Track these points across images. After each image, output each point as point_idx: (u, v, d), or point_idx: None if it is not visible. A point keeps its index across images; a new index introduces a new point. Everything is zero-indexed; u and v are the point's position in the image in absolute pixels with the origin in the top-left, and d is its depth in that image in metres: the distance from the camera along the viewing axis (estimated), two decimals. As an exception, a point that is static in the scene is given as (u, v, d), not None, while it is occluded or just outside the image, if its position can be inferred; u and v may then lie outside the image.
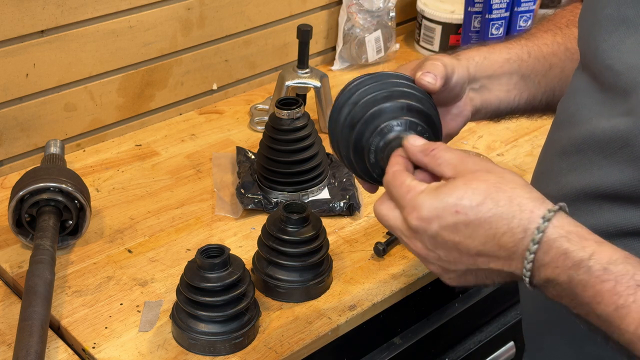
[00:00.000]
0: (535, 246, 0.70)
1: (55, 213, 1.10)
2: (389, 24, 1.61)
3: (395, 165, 0.80)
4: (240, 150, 1.32)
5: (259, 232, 1.09)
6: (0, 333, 1.01)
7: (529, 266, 0.71)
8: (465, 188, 0.73)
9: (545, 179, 0.91)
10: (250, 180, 1.24)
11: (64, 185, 1.09)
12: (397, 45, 1.68)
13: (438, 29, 1.66)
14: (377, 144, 0.85)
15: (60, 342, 1.01)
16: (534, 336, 0.99)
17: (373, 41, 1.60)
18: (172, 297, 1.04)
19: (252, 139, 1.40)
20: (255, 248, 1.10)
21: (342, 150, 0.88)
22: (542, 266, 0.71)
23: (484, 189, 0.73)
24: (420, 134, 0.84)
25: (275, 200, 1.22)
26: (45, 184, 1.09)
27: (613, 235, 0.81)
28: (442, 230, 0.74)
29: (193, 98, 1.49)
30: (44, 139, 1.30)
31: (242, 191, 1.23)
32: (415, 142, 0.81)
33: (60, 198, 1.10)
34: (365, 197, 1.27)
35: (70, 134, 1.34)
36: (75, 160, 1.33)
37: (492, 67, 0.98)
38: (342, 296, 1.09)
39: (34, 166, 1.20)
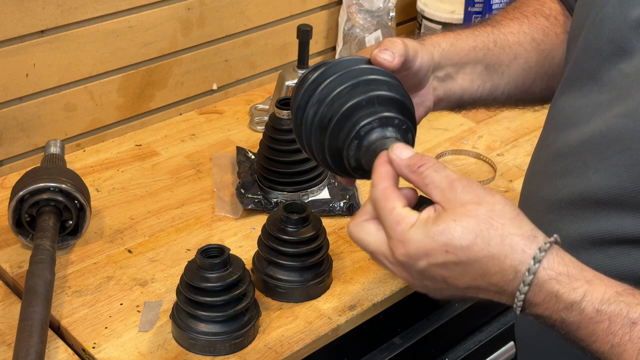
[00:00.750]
0: (526, 287, 0.70)
1: (55, 213, 1.10)
2: (389, 24, 1.61)
3: (385, 180, 0.75)
4: (240, 150, 1.32)
5: (259, 232, 1.09)
6: (0, 333, 1.01)
7: (519, 303, 0.71)
8: (455, 226, 0.70)
9: (539, 181, 0.90)
10: (250, 180, 1.24)
11: (64, 185, 1.09)
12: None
13: (438, 29, 1.66)
14: (355, 148, 0.80)
15: (60, 342, 1.01)
16: (526, 337, 0.98)
17: (373, 41, 1.60)
18: (172, 297, 1.04)
19: (252, 139, 1.40)
20: (255, 248, 1.10)
21: (317, 154, 0.83)
22: (534, 305, 0.71)
23: (474, 227, 0.70)
24: (398, 127, 0.80)
25: (275, 200, 1.22)
26: (45, 184, 1.09)
27: (609, 242, 0.80)
28: (431, 267, 0.72)
29: (193, 98, 1.49)
30: (44, 139, 1.30)
31: (242, 191, 1.23)
32: (401, 155, 0.76)
33: (60, 198, 1.10)
34: (365, 197, 1.27)
35: (70, 134, 1.34)
36: (75, 160, 1.33)
37: (458, 54, 0.95)
38: (342, 296, 1.09)
39: (34, 166, 1.20)
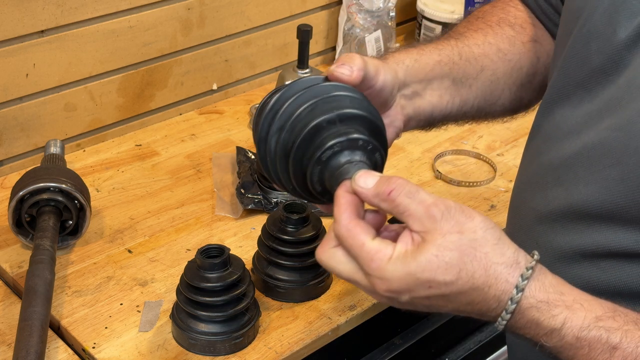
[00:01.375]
0: (509, 315, 0.70)
1: (55, 213, 1.10)
2: (389, 24, 1.61)
3: (345, 213, 0.71)
4: (240, 150, 1.32)
5: (259, 232, 1.09)
6: (0, 333, 1.01)
7: (501, 327, 0.72)
8: (438, 262, 0.69)
9: (529, 191, 0.89)
10: (250, 180, 1.24)
11: (64, 185, 1.09)
12: (397, 45, 1.68)
13: (438, 29, 1.66)
14: (318, 174, 0.76)
15: (60, 342, 1.01)
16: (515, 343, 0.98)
17: (373, 41, 1.60)
18: (172, 297, 1.04)
19: (252, 139, 1.40)
20: (255, 248, 1.10)
21: (285, 183, 0.79)
22: (516, 328, 0.72)
23: (457, 261, 0.69)
24: (363, 148, 0.75)
25: (275, 200, 1.22)
26: (45, 184, 1.09)
27: (600, 255, 0.79)
28: (415, 299, 0.71)
29: (193, 98, 1.49)
30: (44, 139, 1.30)
31: (242, 191, 1.23)
32: (366, 184, 0.72)
33: (60, 198, 1.10)
34: (365, 197, 1.27)
35: (70, 134, 1.34)
36: (75, 160, 1.33)
37: (423, 70, 0.91)
38: (342, 296, 1.09)
39: (34, 166, 1.20)
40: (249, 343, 1.01)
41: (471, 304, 0.71)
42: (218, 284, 0.97)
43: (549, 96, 0.90)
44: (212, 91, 1.51)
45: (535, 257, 0.71)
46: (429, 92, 0.92)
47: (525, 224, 0.89)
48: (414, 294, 0.71)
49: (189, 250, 1.15)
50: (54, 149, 1.24)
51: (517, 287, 0.69)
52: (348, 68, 0.79)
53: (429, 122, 0.95)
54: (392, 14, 1.62)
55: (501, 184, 1.33)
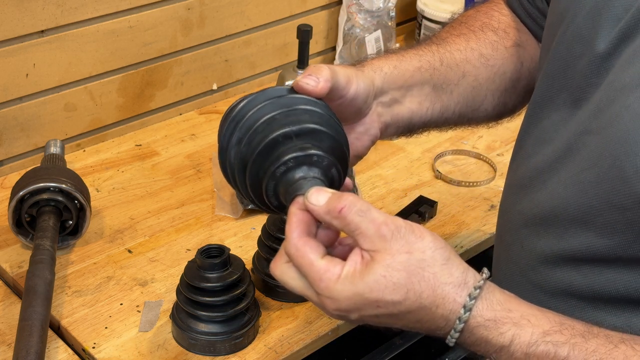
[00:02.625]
0: (457, 334, 0.72)
1: (55, 213, 1.10)
2: (389, 24, 1.61)
3: (295, 231, 0.72)
4: (240, 150, 1.32)
5: (259, 232, 1.09)
6: (0, 333, 1.01)
7: (451, 344, 0.73)
8: (386, 282, 0.69)
9: (517, 194, 0.89)
10: (250, 180, 1.24)
11: (64, 185, 1.09)
12: (397, 45, 1.68)
13: (438, 29, 1.66)
14: (273, 189, 0.76)
15: (60, 342, 1.01)
16: None
17: (373, 41, 1.60)
18: (172, 297, 1.04)
19: (252, 139, 1.40)
20: (255, 248, 1.10)
21: (245, 195, 0.79)
22: (466, 345, 0.73)
23: (405, 282, 0.70)
24: (318, 164, 0.75)
25: (275, 200, 1.22)
26: (45, 184, 1.09)
27: (580, 260, 0.80)
28: (364, 317, 0.72)
29: (193, 98, 1.49)
30: (44, 139, 1.30)
31: (235, 190, 1.23)
32: (318, 201, 0.72)
33: (60, 198, 1.10)
34: (365, 197, 1.27)
35: (70, 134, 1.34)
36: (75, 160, 1.33)
37: (402, 77, 0.90)
38: (342, 296, 1.09)
39: (34, 166, 1.20)
40: (249, 343, 1.01)
41: (420, 322, 0.72)
42: (218, 284, 0.97)
43: (535, 99, 0.90)
44: (212, 91, 1.51)
45: (484, 275, 0.72)
46: (409, 99, 0.92)
47: (512, 227, 0.89)
48: (362, 313, 0.72)
49: (189, 250, 1.15)
50: (54, 149, 1.24)
51: (464, 306, 0.71)
52: (314, 79, 0.78)
53: (408, 128, 0.94)
54: (392, 14, 1.62)
55: (501, 184, 1.32)
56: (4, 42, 1.21)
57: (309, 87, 0.78)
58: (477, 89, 0.97)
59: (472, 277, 0.72)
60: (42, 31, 1.24)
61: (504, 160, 1.38)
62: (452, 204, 1.27)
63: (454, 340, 0.72)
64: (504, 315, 0.71)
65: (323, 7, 1.60)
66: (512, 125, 1.46)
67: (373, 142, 0.90)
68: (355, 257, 0.71)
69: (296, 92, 0.78)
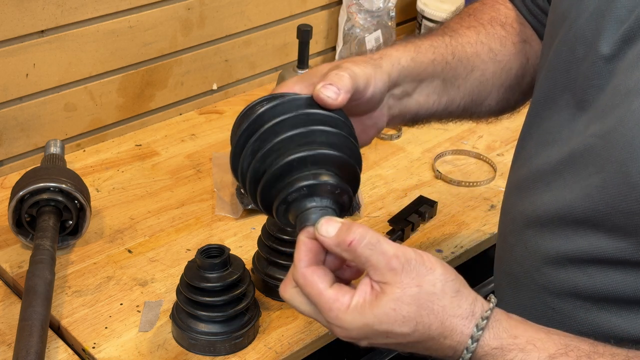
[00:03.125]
0: None
1: (55, 213, 1.10)
2: (389, 24, 1.61)
3: (303, 261, 0.72)
4: (240, 150, 1.32)
5: (259, 232, 1.09)
6: (0, 333, 1.01)
7: None
8: (395, 315, 0.70)
9: (519, 195, 0.89)
10: (250, 180, 1.24)
11: (64, 185, 1.09)
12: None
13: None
14: (283, 212, 0.76)
15: (60, 342, 1.01)
16: None
17: (373, 41, 1.60)
18: (172, 297, 1.04)
19: (252, 139, 1.40)
20: (255, 248, 1.10)
21: (254, 202, 0.79)
22: None
23: (415, 315, 0.71)
24: (331, 192, 0.75)
25: (275, 200, 1.22)
26: (45, 184, 1.09)
27: (586, 261, 0.80)
28: (373, 344, 0.74)
29: (193, 98, 1.49)
30: (44, 139, 1.30)
31: (242, 191, 1.23)
32: (327, 232, 0.72)
33: (60, 198, 1.10)
34: (365, 197, 1.27)
35: (70, 134, 1.34)
36: (75, 160, 1.33)
37: (417, 70, 0.89)
38: (342, 296, 1.09)
39: (34, 166, 1.20)
40: (249, 343, 1.01)
41: (428, 350, 0.73)
42: (218, 284, 0.97)
43: (538, 99, 0.90)
44: (212, 91, 1.51)
45: (491, 304, 0.73)
46: (418, 92, 0.91)
47: (515, 228, 0.89)
48: (372, 341, 0.73)
49: (189, 250, 1.15)
50: (54, 149, 1.24)
51: (472, 337, 0.72)
52: (334, 91, 0.76)
53: (413, 120, 0.95)
54: (392, 14, 1.62)
55: (501, 184, 1.33)
56: (4, 42, 1.21)
57: (329, 101, 0.76)
58: (483, 84, 0.97)
59: (480, 307, 0.73)
60: (42, 31, 1.24)
61: (504, 160, 1.38)
62: (452, 204, 1.27)
63: None
64: (510, 342, 0.72)
65: (323, 7, 1.60)
66: (513, 125, 1.47)
67: (379, 132, 0.90)
68: (365, 287, 0.72)
69: (314, 105, 0.77)
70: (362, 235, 0.71)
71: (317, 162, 0.75)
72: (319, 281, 0.72)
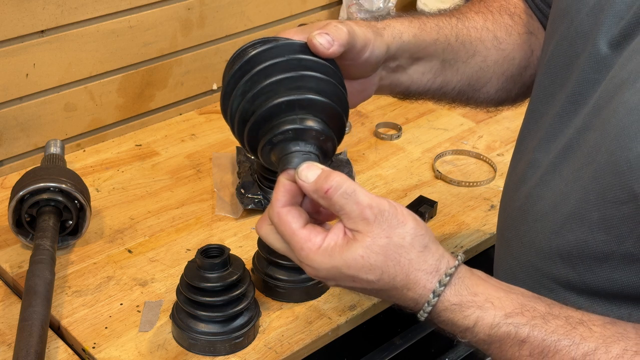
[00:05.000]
0: (426, 314, 0.75)
1: (55, 213, 1.10)
2: (389, 24, 1.61)
3: (281, 199, 0.75)
4: (240, 150, 1.32)
5: (259, 232, 1.09)
6: (0, 333, 1.01)
7: (422, 320, 0.76)
8: (363, 262, 0.73)
9: (517, 189, 0.90)
10: (250, 180, 1.24)
11: (64, 185, 1.09)
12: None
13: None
14: (268, 152, 0.77)
15: (60, 342, 1.01)
16: None
17: (373, 41, 1.60)
18: (172, 297, 1.04)
19: (252, 139, 1.40)
20: (255, 248, 1.10)
21: (239, 141, 0.80)
22: (434, 324, 0.77)
23: (381, 265, 0.73)
24: (315, 138, 0.76)
25: (275, 200, 1.22)
26: (45, 184, 1.09)
27: (577, 257, 0.81)
28: (340, 285, 0.76)
29: (193, 98, 1.49)
30: (44, 139, 1.30)
31: (242, 191, 1.23)
32: (307, 178, 0.74)
33: (60, 198, 1.10)
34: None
35: (70, 134, 1.34)
36: (75, 160, 1.33)
37: (417, 47, 0.90)
38: (342, 296, 1.09)
39: (34, 166, 1.20)
40: (249, 343, 1.01)
41: (391, 298, 0.76)
42: (218, 284, 0.97)
43: (537, 94, 0.90)
44: (212, 91, 1.51)
45: (457, 261, 0.75)
46: (414, 68, 0.92)
47: (512, 223, 0.90)
48: (339, 282, 0.75)
49: (189, 250, 1.15)
50: (54, 149, 1.24)
51: (434, 292, 0.74)
52: (328, 40, 0.77)
53: (402, 94, 0.96)
54: (392, 13, 1.62)
55: (501, 184, 1.32)
56: (4, 42, 1.21)
57: (320, 48, 0.77)
58: (483, 70, 0.97)
59: (446, 264, 0.75)
60: (42, 31, 1.24)
61: (504, 160, 1.38)
62: (452, 204, 1.27)
63: (422, 319, 0.76)
64: (469, 300, 0.74)
65: (323, 7, 1.60)
66: (513, 125, 1.47)
67: (365, 100, 0.91)
68: (338, 231, 0.74)
69: (308, 49, 0.77)
70: (339, 184, 0.72)
71: (304, 107, 0.76)
72: (292, 221, 0.74)
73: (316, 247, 0.73)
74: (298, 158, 0.76)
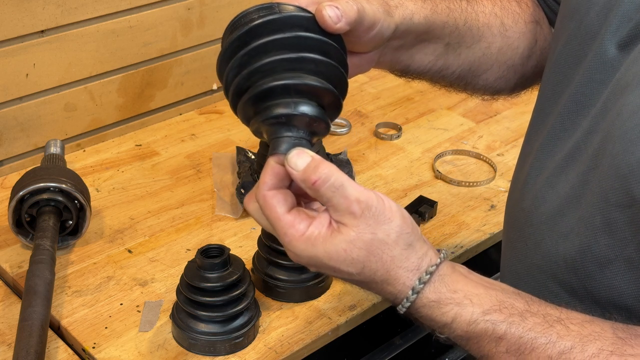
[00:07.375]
0: (404, 309, 0.76)
1: (55, 213, 1.10)
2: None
3: (268, 182, 0.74)
4: (240, 150, 1.32)
5: (259, 232, 1.09)
6: (0, 333, 1.01)
7: (401, 313, 0.77)
8: (345, 256, 0.73)
9: (522, 191, 0.89)
10: (250, 180, 1.24)
11: (64, 185, 1.09)
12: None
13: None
14: (260, 131, 0.77)
15: (60, 342, 1.01)
16: None
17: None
18: (172, 297, 1.04)
19: (252, 139, 1.40)
20: (255, 248, 1.10)
21: (233, 109, 0.80)
22: (414, 319, 0.77)
23: (364, 259, 0.73)
24: (308, 125, 0.75)
25: (275, 200, 1.22)
26: (45, 184, 1.09)
27: (581, 262, 0.80)
28: (320, 271, 0.78)
29: (193, 98, 1.49)
30: (44, 139, 1.30)
31: (242, 191, 1.23)
32: (296, 166, 0.73)
33: (60, 198, 1.10)
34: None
35: (70, 134, 1.35)
36: (75, 160, 1.33)
37: (425, 29, 0.89)
38: (342, 296, 1.09)
39: (34, 166, 1.20)
40: (249, 343, 1.01)
41: (370, 289, 0.77)
42: (218, 284, 0.97)
43: (544, 93, 0.90)
44: (212, 91, 1.51)
45: (439, 259, 0.76)
46: (416, 49, 0.92)
47: (517, 224, 0.89)
48: (320, 270, 0.76)
49: (189, 250, 1.15)
50: (54, 149, 1.24)
51: (413, 289, 0.75)
52: (337, 15, 0.75)
53: (401, 72, 0.95)
54: None
55: (501, 184, 1.33)
56: (4, 42, 1.21)
57: (329, 21, 0.75)
58: (486, 56, 0.97)
59: (427, 262, 0.75)
60: (42, 31, 1.24)
61: (504, 160, 1.38)
62: (452, 204, 1.27)
63: (401, 312, 0.77)
64: (448, 297, 0.75)
65: (323, 7, 1.60)
66: (513, 125, 1.47)
67: (362, 73, 0.90)
68: (323, 220, 0.74)
69: (315, 23, 0.75)
70: (327, 176, 0.72)
71: (300, 91, 0.75)
72: (277, 205, 0.74)
73: (299, 234, 0.73)
74: (288, 144, 0.75)
